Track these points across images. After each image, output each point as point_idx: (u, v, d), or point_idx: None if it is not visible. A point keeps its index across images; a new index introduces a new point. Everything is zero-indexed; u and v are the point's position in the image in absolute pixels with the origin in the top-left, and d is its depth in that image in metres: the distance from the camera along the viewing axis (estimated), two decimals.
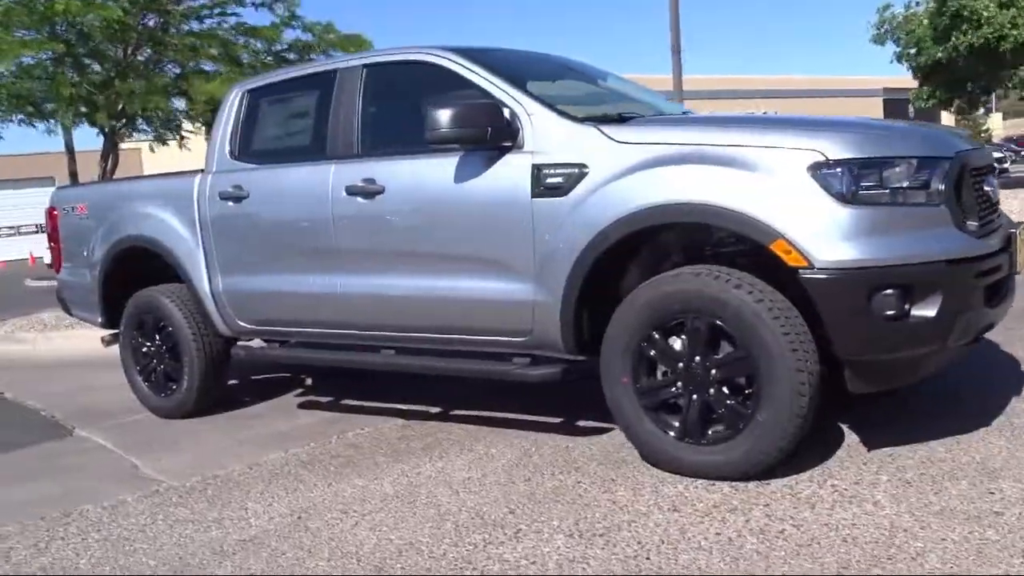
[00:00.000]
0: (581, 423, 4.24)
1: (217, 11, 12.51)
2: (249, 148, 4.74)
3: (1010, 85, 18.17)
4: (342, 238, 4.20)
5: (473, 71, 3.88)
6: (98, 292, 5.44)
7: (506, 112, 3.67)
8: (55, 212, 5.75)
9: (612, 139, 3.46)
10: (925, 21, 17.97)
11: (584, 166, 3.47)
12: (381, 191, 4.03)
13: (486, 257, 3.75)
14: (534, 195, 3.58)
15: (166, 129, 13.43)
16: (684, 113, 4.93)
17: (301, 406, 5.28)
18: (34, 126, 12.29)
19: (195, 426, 5.05)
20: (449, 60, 3.96)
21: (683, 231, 3.53)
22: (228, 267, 4.74)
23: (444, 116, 3.57)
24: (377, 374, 5.50)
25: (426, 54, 4.04)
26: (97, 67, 12.24)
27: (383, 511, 3.36)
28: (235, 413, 5.27)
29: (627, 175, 3.36)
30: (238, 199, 4.61)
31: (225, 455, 4.39)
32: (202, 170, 4.92)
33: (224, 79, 11.57)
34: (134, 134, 13.95)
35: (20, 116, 12.17)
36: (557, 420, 4.34)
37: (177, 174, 5.13)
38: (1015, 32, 15.43)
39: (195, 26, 12.60)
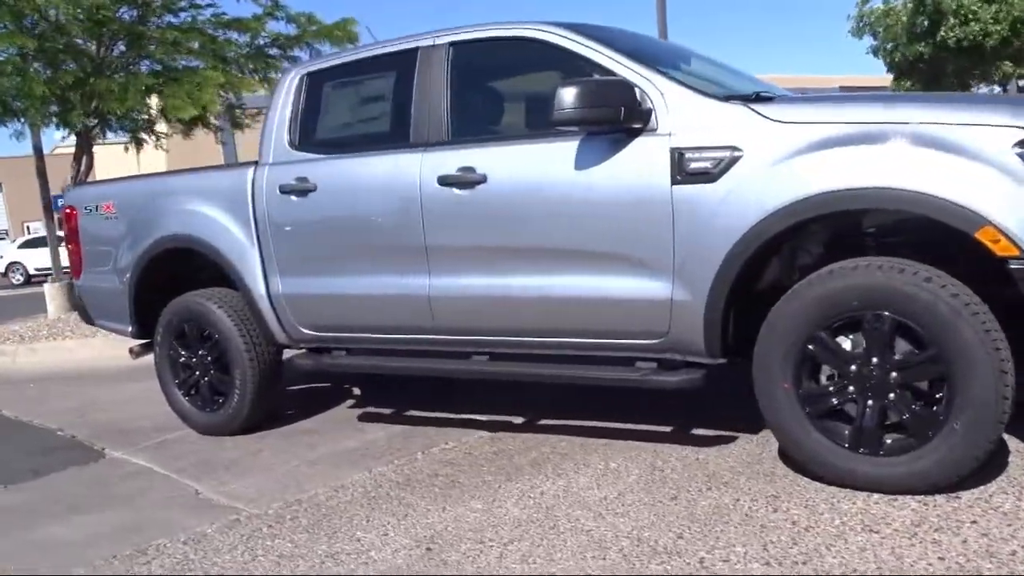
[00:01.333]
0: (698, 431, 3.90)
1: (193, 2, 11.87)
2: (312, 137, 4.30)
3: (996, 80, 18.38)
4: (433, 233, 3.80)
5: (590, 47, 3.51)
6: (130, 299, 4.94)
7: (636, 91, 3.31)
8: (73, 212, 5.23)
9: (767, 118, 3.12)
10: (904, 18, 18.06)
11: (736, 149, 3.12)
12: (482, 180, 3.64)
13: (614, 252, 3.38)
14: (675, 182, 3.22)
15: (146, 130, 12.77)
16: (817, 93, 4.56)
17: (361, 419, 4.84)
18: (4, 125, 11.55)
19: (249, 444, 4.59)
20: (561, 36, 3.59)
21: (829, 222, 3.20)
22: (289, 268, 4.30)
23: (571, 95, 3.20)
24: (427, 382, 5.12)
25: (532, 29, 3.66)
26: (71, 64, 11.55)
27: (525, 539, 2.98)
28: (286, 429, 4.82)
29: (791, 158, 3.02)
30: (303, 192, 4.17)
31: (299, 477, 3.96)
32: (255, 162, 4.47)
33: (206, 77, 11.01)
34: (108, 135, 13.24)
35: None
36: (666, 429, 3.99)
37: (226, 167, 4.67)
38: (998, 28, 15.55)
39: (172, 20, 11.98)
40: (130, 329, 5.05)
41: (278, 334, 4.48)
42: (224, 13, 12.02)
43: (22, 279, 26.47)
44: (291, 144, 4.31)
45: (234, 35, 12.35)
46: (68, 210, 5.25)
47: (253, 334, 4.56)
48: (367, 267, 4.04)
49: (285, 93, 4.38)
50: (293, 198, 4.21)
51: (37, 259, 26.43)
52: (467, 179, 3.67)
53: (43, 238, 28.91)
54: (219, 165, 4.70)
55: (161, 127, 13.52)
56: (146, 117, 12.39)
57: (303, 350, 4.56)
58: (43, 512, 3.90)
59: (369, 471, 3.91)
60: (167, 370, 4.88)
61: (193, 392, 4.83)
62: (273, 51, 12.78)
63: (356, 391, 5.55)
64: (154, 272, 4.86)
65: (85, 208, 5.16)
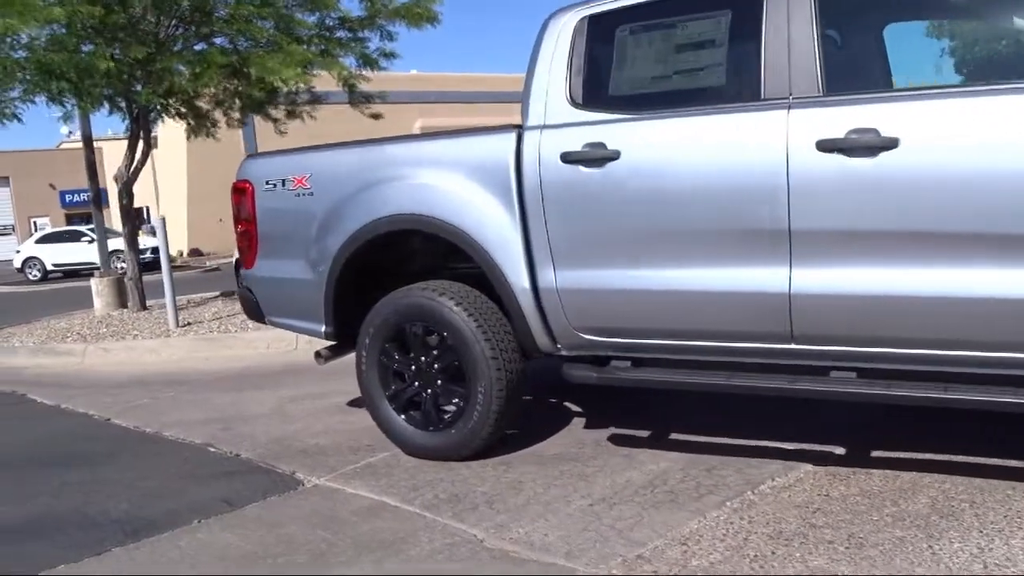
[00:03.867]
0: None
1: None
2: (604, 93, 3.45)
3: None
4: (805, 214, 2.96)
5: None
6: (328, 292, 4.07)
7: None
8: (249, 187, 4.34)
9: None
10: None
11: None
12: (890, 145, 2.80)
13: None
14: None
15: (204, 115, 11.86)
16: None
17: (615, 442, 3.98)
18: (63, 105, 10.64)
19: (493, 473, 3.72)
20: None
21: None
22: (570, 256, 3.45)
23: None
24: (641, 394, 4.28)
25: None
26: (136, 40, 10.62)
27: None
28: (525, 454, 3.95)
29: None
30: (598, 162, 3.32)
31: (607, 522, 3.11)
32: (516, 125, 3.62)
33: (286, 57, 10.12)
34: (166, 120, 12.33)
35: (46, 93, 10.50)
36: None
37: (476, 131, 3.81)
38: None
39: None
40: (323, 329, 4.18)
41: (540, 338, 3.63)
42: None
43: (39, 275, 25.38)
44: (573, 102, 3.46)
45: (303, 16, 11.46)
46: (241, 185, 4.37)
47: (500, 338, 3.70)
48: (689, 256, 3.20)
49: (557, 41, 3.53)
50: (582, 169, 3.36)
51: (55, 255, 25.39)
52: (866, 143, 2.83)
53: (60, 232, 27.92)
54: (466, 129, 3.84)
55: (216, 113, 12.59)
56: (218, 101, 11.48)
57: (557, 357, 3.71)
58: (290, 562, 3.03)
59: (703, 516, 3.06)
60: (375, 380, 4.01)
61: (413, 408, 3.96)
62: (340, 33, 11.87)
63: (569, 405, 4.68)
64: (363, 260, 4.00)
65: (267, 183, 4.27)
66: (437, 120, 30.86)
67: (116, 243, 25.88)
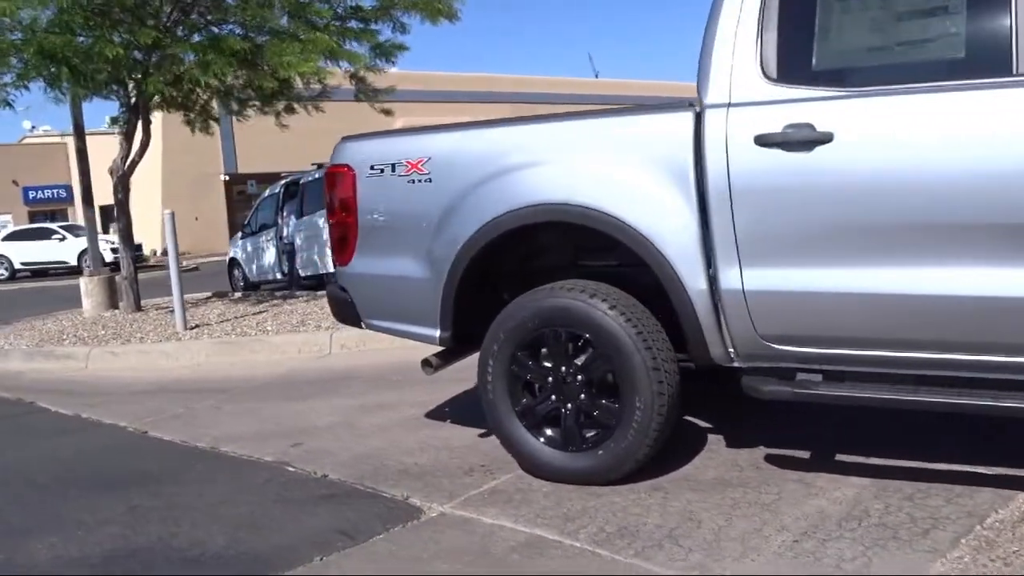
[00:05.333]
0: None
1: None
2: (807, 65, 2.99)
3: None
4: None
5: None
6: (448, 292, 3.58)
7: None
8: (349, 172, 3.83)
9: None
10: None
11: None
12: None
13: None
14: None
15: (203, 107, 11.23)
16: None
17: (773, 463, 3.53)
18: (61, 91, 9.94)
19: (652, 501, 3.25)
20: None
21: None
22: (764, 253, 3.00)
23: None
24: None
25: None
26: (142, 26, 9.98)
27: None
28: (676, 477, 3.48)
29: None
30: (804, 145, 2.88)
31: (826, 563, 2.66)
32: (686, 102, 3.17)
33: (305, 46, 9.56)
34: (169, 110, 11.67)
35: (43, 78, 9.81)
36: None
37: (640, 109, 3.34)
38: None
39: None
40: (438, 334, 3.68)
41: (715, 347, 3.17)
42: None
43: (6, 274, 24.30)
44: (767, 76, 3.01)
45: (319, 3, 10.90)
46: (340, 170, 3.85)
47: (660, 346, 3.24)
48: (924, 254, 2.76)
49: (743, 4, 3.07)
50: (783, 154, 2.91)
51: (23, 253, 24.33)
52: None
53: (28, 230, 26.76)
54: (628, 107, 3.37)
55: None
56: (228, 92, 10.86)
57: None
58: None
59: (943, 557, 2.62)
60: (503, 392, 3.51)
61: (549, 425, 3.48)
62: (352, 24, 11.30)
63: (693, 420, 4.22)
64: (489, 257, 3.51)
65: (372, 168, 3.76)
66: (418, 119, 30.29)
67: (86, 242, 25.01)
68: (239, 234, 14.38)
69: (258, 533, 3.30)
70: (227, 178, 27.46)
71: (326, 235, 11.74)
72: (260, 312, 9.53)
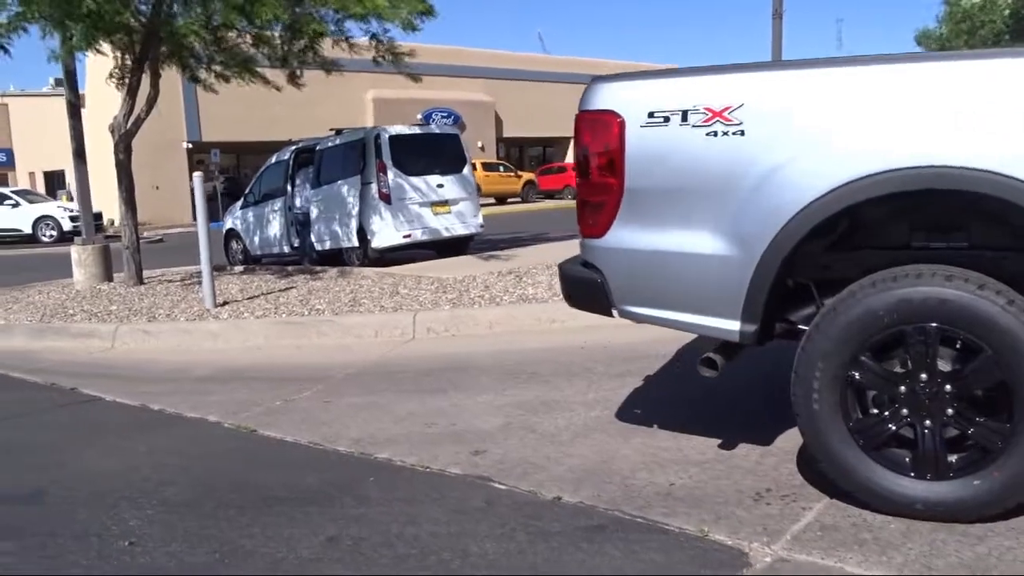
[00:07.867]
0: None
1: None
2: None
3: None
4: None
5: None
6: (764, 276, 2.82)
7: None
8: (615, 120, 3.03)
9: None
10: (1006, 11, 16.99)
11: None
12: None
13: None
14: None
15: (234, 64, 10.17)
16: None
17: None
18: (68, 37, 8.83)
19: None
20: None
21: None
22: None
23: None
24: None
25: None
26: None
27: None
28: None
29: None
30: None
31: None
32: None
33: None
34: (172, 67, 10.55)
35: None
36: None
37: None
38: None
39: None
40: (738, 328, 2.91)
41: None
42: None
43: None
44: None
45: None
46: (602, 116, 3.05)
47: None
48: None
49: None
50: None
51: None
52: None
53: None
54: None
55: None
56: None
57: None
58: None
59: None
60: (833, 404, 2.78)
61: (887, 444, 2.76)
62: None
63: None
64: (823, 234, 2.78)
65: (653, 115, 2.96)
66: (390, 92, 29.08)
67: (42, 208, 23.26)
68: (238, 203, 13.22)
69: None
70: (190, 146, 25.88)
71: (350, 206, 10.81)
72: (288, 288, 8.59)
